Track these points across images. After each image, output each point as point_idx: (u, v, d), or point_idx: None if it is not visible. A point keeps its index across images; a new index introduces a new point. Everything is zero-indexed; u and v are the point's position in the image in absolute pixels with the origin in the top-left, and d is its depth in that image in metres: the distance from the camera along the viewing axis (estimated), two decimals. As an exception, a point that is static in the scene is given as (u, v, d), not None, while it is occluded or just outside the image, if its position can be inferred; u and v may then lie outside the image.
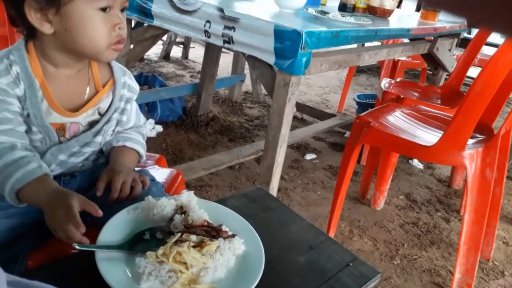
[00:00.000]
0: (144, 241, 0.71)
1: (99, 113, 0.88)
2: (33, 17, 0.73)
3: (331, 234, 1.66)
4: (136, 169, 0.96)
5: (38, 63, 0.79)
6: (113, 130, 0.93)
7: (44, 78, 0.79)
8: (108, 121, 0.89)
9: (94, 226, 0.71)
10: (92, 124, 0.88)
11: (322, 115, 3.06)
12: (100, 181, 0.81)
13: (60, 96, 0.82)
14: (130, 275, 0.65)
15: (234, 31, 1.38)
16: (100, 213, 0.70)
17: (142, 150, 0.95)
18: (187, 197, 0.80)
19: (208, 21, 1.44)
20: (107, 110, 0.89)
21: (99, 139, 0.89)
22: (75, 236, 0.67)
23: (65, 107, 0.83)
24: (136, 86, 0.95)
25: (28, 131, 0.80)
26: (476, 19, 0.17)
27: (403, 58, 2.92)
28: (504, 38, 1.10)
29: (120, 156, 0.89)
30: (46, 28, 0.75)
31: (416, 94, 2.35)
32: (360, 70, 4.88)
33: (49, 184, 0.75)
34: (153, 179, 0.92)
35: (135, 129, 0.97)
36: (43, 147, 0.83)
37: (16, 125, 0.77)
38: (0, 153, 0.75)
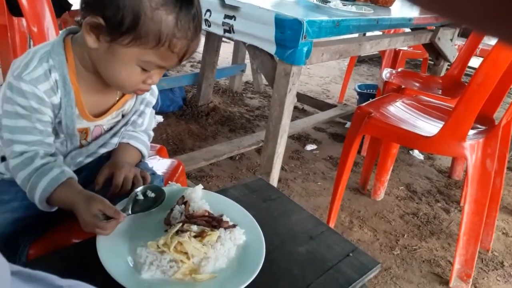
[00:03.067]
0: (138, 201, 0.76)
1: (122, 116, 0.89)
2: (87, 25, 0.69)
3: (331, 225, 1.66)
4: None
5: (74, 68, 0.77)
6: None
7: (78, 84, 0.78)
8: (126, 123, 0.90)
9: None
10: (113, 127, 0.89)
11: (323, 106, 3.05)
12: (100, 175, 0.81)
13: (90, 103, 0.81)
14: (131, 265, 0.65)
15: (234, 20, 1.36)
16: (123, 217, 0.70)
17: (145, 150, 0.95)
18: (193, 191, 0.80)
19: (208, 10, 1.43)
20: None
21: (115, 140, 0.90)
22: (103, 234, 0.69)
23: (92, 113, 0.82)
24: (156, 90, 0.95)
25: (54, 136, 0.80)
26: (467, 22, 0.17)
27: (405, 48, 2.90)
28: (496, 41, 1.08)
29: (122, 152, 0.89)
30: (90, 41, 0.70)
31: (417, 84, 2.34)
32: (361, 60, 4.86)
33: (74, 189, 0.75)
34: (153, 173, 0.92)
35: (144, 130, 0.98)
36: (63, 150, 0.83)
37: (45, 137, 0.76)
38: (23, 163, 0.74)
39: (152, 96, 0.93)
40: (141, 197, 0.77)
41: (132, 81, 0.74)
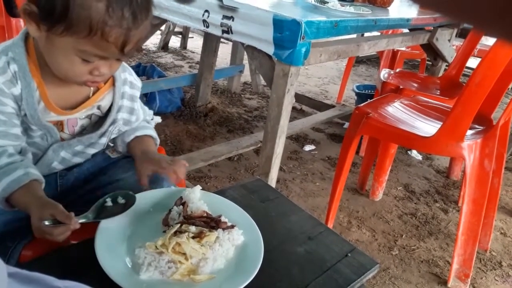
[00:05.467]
0: (107, 208, 0.74)
1: (99, 109, 0.87)
2: (23, 11, 0.68)
3: (330, 225, 1.66)
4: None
5: (36, 62, 0.76)
6: (120, 130, 0.92)
7: (42, 78, 0.76)
8: (113, 122, 0.88)
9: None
10: (91, 118, 0.87)
11: (321, 106, 3.06)
12: (142, 176, 0.82)
13: (58, 97, 0.80)
14: (129, 266, 0.65)
15: (232, 20, 1.36)
16: (75, 223, 0.67)
17: (152, 132, 0.95)
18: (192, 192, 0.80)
19: (206, 11, 1.43)
20: (109, 110, 0.87)
21: (103, 140, 0.89)
22: (54, 240, 0.67)
23: (62, 106, 0.81)
24: (137, 82, 0.92)
25: (28, 129, 0.79)
26: (470, 20, 0.17)
27: (403, 49, 2.90)
28: (496, 40, 1.08)
29: (138, 146, 0.90)
30: (32, 30, 0.69)
31: (415, 84, 2.34)
32: (359, 61, 4.87)
33: (33, 193, 0.72)
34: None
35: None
36: (44, 143, 0.82)
37: (10, 127, 0.75)
38: None
39: (133, 89, 0.90)
40: (110, 203, 0.75)
41: (75, 72, 0.72)
